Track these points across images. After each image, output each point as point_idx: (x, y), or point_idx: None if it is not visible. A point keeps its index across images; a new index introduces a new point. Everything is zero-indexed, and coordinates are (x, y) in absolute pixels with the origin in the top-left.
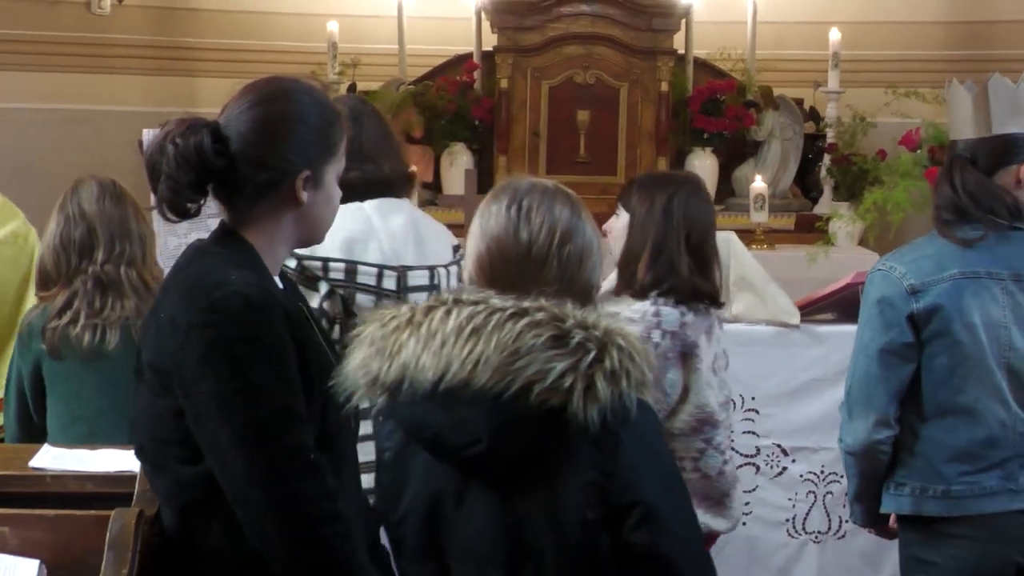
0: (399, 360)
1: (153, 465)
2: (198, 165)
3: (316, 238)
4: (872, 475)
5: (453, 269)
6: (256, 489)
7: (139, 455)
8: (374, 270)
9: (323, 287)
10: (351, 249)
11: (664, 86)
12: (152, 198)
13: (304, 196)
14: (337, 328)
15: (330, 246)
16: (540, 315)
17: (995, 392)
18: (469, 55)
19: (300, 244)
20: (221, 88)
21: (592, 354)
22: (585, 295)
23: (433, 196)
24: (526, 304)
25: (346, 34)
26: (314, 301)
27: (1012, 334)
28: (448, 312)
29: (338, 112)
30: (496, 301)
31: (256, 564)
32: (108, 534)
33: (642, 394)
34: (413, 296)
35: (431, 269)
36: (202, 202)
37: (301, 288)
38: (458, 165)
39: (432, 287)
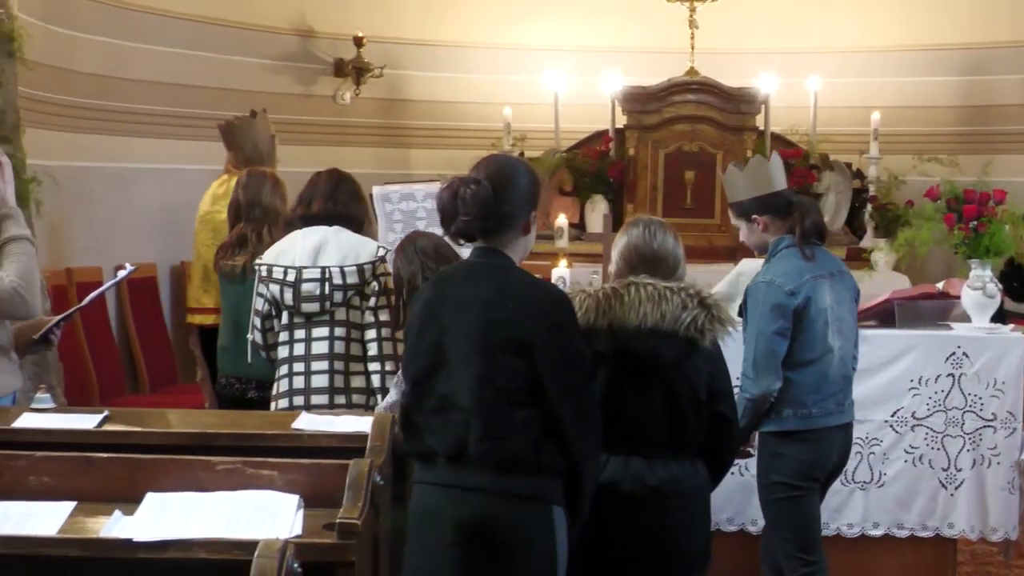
0: (609, 315)
1: (506, 407)
2: (487, 204)
3: (526, 256)
4: (761, 413)
5: (350, 269)
6: (583, 416)
7: (486, 403)
8: (281, 269)
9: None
10: (278, 256)
11: (749, 153)
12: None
13: (532, 228)
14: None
15: (268, 256)
16: (691, 290)
17: (829, 350)
18: (606, 131)
19: (520, 259)
20: (427, 156)
21: (708, 310)
22: (680, 280)
23: (579, 233)
24: (678, 285)
25: (517, 116)
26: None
27: (836, 311)
28: (637, 289)
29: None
30: (661, 283)
31: (565, 476)
32: (348, 478)
33: (720, 334)
34: (306, 286)
35: (322, 269)
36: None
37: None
38: (598, 211)
39: (323, 280)
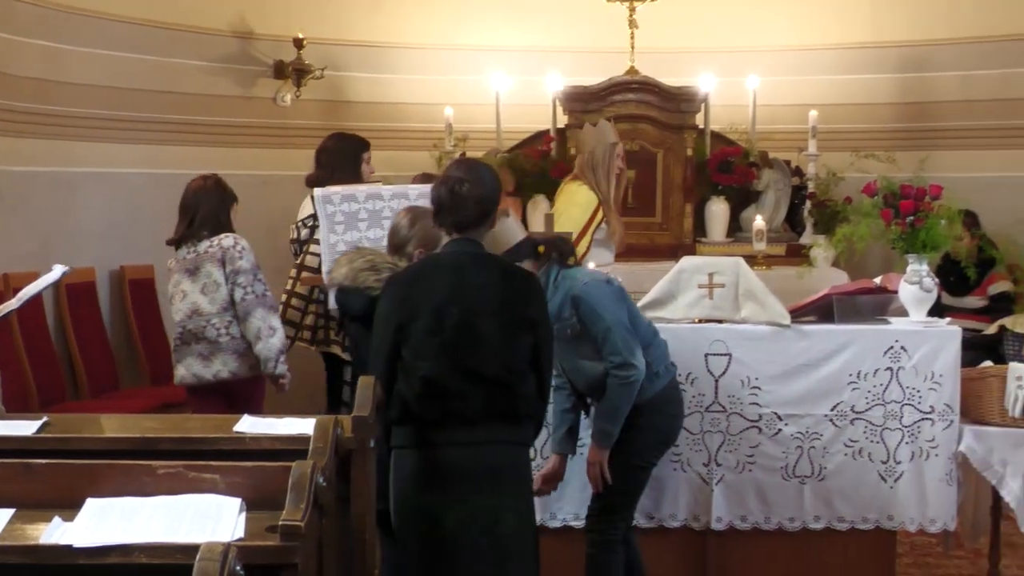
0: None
1: (522, 373)
2: (479, 200)
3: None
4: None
5: (293, 227)
6: (551, 377)
7: (510, 371)
8: None
9: None
10: None
11: (689, 151)
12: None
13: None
14: None
15: None
16: None
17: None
18: (547, 131)
19: None
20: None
21: None
22: None
23: None
24: None
25: (459, 117)
26: None
27: None
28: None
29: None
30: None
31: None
32: (290, 480)
33: None
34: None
35: (296, 223)
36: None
37: None
38: (540, 211)
39: (297, 237)
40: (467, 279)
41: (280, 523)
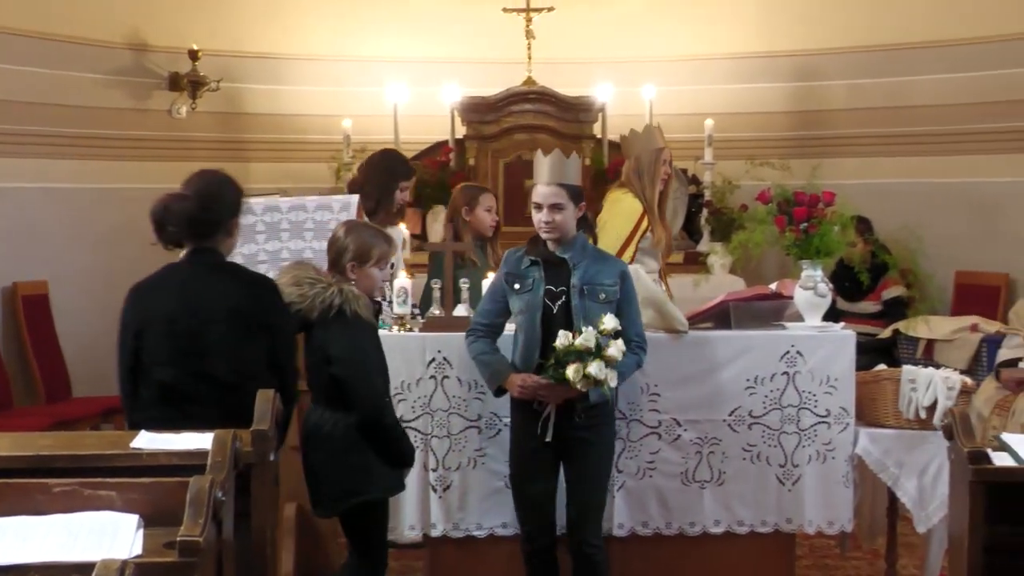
0: None
1: (251, 381)
2: (193, 217)
3: (230, 253)
4: None
5: None
6: (296, 377)
7: (235, 377)
8: None
9: None
10: None
11: (587, 161)
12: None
13: (234, 232)
14: None
15: None
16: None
17: None
18: (446, 142)
19: (226, 257)
20: (266, 170)
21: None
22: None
23: (421, 243)
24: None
25: (357, 128)
26: None
27: None
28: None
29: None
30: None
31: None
32: (188, 495)
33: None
34: None
35: None
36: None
37: None
38: (439, 221)
39: None
40: (201, 287)
41: (178, 539)
